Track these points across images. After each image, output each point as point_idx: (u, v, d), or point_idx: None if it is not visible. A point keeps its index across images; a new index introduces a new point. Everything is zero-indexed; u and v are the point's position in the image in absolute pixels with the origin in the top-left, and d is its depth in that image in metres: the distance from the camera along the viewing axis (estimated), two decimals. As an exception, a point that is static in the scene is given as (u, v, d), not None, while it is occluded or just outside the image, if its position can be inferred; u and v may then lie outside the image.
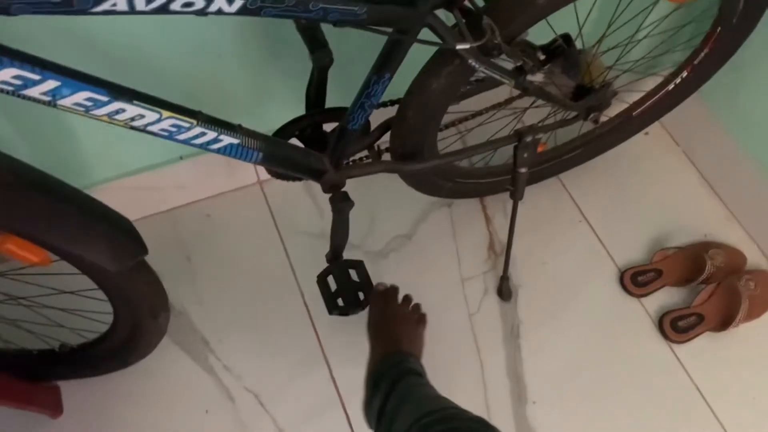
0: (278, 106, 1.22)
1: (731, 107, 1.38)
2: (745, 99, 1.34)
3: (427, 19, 0.79)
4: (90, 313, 1.03)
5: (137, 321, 0.98)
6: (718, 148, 1.45)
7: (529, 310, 1.33)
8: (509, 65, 0.95)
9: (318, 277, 1.14)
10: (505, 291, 1.31)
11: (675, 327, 1.30)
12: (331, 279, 1.15)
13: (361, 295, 1.14)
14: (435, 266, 1.37)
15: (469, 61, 0.84)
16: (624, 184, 1.49)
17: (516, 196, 1.17)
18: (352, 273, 1.16)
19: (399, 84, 0.96)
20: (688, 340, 1.29)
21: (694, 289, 1.36)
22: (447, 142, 1.27)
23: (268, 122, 1.08)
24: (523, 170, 1.12)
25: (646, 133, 1.52)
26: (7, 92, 0.63)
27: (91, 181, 1.25)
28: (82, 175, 1.24)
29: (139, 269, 0.88)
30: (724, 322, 1.30)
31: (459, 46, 0.81)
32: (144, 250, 0.83)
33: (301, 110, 1.03)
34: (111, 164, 1.25)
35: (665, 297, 1.35)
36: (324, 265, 1.18)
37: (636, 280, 1.35)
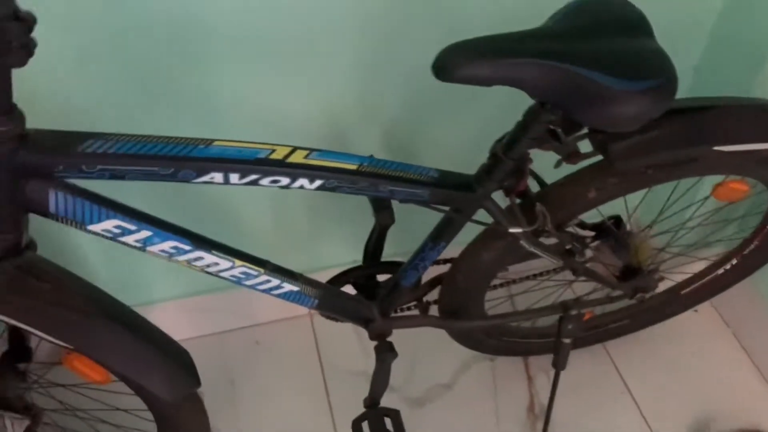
0: (334, 248, 1.31)
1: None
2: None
3: (484, 202, 0.86)
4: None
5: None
6: (768, 336, 1.43)
7: (564, 483, 1.30)
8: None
9: (353, 422, 1.16)
10: (541, 464, 1.28)
11: None
12: (366, 425, 1.17)
13: (393, 447, 1.15)
14: (472, 423, 1.36)
15: (521, 242, 0.90)
16: (670, 360, 1.47)
17: (558, 366, 1.18)
18: (387, 422, 1.17)
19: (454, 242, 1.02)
20: None
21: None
22: (498, 296, 1.30)
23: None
24: (567, 341, 1.14)
25: (696, 311, 1.52)
26: (107, 238, 0.72)
27: (149, 298, 1.34)
28: (142, 291, 1.33)
29: (190, 400, 0.93)
30: None
31: (512, 230, 0.87)
32: (197, 382, 0.88)
33: (352, 255, 1.11)
34: (170, 284, 1.34)
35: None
36: (362, 407, 1.20)
37: (677, 464, 1.31)
